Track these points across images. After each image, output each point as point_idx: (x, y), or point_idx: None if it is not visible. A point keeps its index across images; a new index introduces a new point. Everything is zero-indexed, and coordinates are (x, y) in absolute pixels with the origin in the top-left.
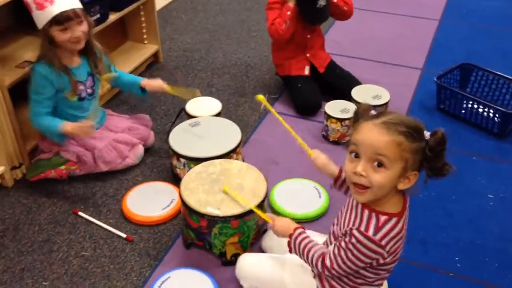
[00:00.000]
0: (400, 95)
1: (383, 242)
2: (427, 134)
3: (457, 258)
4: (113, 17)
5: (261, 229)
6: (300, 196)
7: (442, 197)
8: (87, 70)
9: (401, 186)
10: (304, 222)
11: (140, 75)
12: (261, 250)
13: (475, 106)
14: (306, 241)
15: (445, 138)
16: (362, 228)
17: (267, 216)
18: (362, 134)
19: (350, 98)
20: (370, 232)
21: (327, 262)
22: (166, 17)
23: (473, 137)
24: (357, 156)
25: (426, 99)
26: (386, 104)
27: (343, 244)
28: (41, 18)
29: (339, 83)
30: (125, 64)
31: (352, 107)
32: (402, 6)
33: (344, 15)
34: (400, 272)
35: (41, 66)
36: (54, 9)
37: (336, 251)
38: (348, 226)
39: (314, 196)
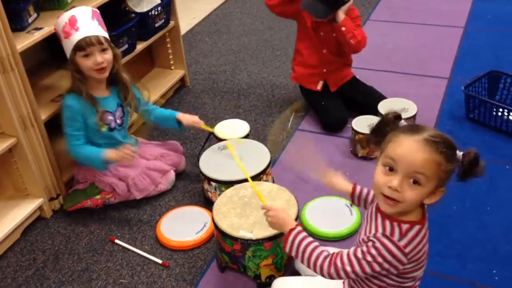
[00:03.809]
0: (428, 106)
1: (406, 249)
2: (459, 154)
3: (494, 271)
4: (140, 46)
5: None
6: (332, 215)
7: (476, 208)
8: (117, 101)
9: (427, 201)
10: (336, 240)
11: (168, 100)
12: (295, 271)
13: (505, 113)
14: (307, 240)
15: (478, 157)
16: (387, 233)
17: (262, 197)
18: (402, 150)
19: (377, 113)
20: (395, 238)
21: (338, 262)
22: (191, 41)
23: (505, 145)
24: (391, 169)
25: (455, 108)
26: (413, 116)
27: (364, 248)
28: (68, 45)
29: (362, 100)
30: (154, 90)
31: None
32: (425, 16)
33: (349, 48)
34: None
35: (69, 98)
36: (78, 35)
37: (352, 252)
38: (370, 233)
39: (345, 214)
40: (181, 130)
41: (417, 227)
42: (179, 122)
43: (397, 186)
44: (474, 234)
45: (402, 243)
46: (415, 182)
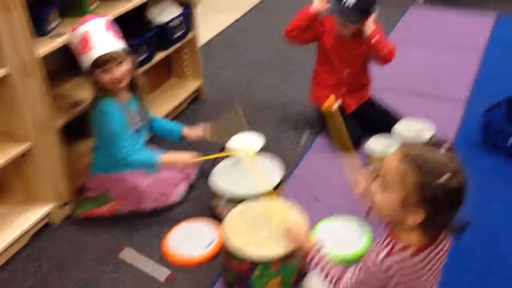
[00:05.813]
0: (444, 129)
1: (389, 271)
2: (445, 176)
3: None
4: (158, 56)
5: (302, 272)
6: (343, 236)
7: (492, 237)
8: (136, 104)
9: (410, 221)
10: (348, 262)
11: (182, 111)
12: None
13: None
14: (319, 266)
15: (457, 193)
16: (375, 252)
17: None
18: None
19: (393, 134)
20: (380, 257)
21: (343, 282)
22: (208, 53)
23: None
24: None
25: (472, 133)
26: (430, 139)
27: (360, 264)
28: (85, 61)
29: (378, 120)
30: (169, 100)
31: (394, 142)
32: (444, 37)
33: (382, 59)
34: None
35: (105, 102)
36: (94, 53)
37: (352, 270)
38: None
39: (357, 235)
40: (178, 142)
41: (409, 252)
42: (182, 136)
43: (372, 188)
44: (489, 263)
45: (384, 262)
46: (384, 187)
